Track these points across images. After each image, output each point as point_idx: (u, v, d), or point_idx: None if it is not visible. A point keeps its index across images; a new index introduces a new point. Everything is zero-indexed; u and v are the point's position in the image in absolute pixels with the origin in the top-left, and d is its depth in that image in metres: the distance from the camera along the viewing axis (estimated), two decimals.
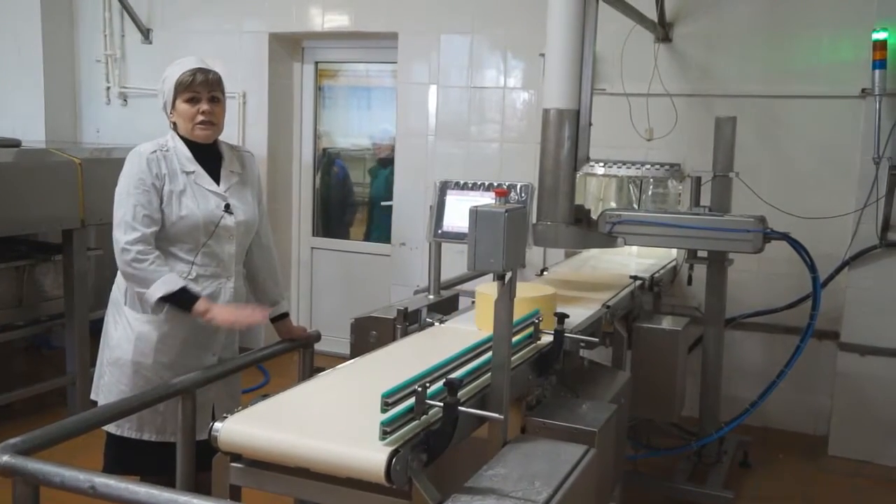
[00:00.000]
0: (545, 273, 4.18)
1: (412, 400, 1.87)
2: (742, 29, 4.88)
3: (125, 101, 6.47)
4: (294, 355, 3.25)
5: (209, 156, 2.92)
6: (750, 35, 4.87)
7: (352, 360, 2.60)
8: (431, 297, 3.51)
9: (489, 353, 2.18)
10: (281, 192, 6.25)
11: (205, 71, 2.85)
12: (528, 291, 2.83)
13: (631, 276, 3.87)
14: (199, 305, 2.75)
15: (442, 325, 3.06)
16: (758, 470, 4.48)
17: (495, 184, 3.27)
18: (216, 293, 2.90)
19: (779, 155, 4.83)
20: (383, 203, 6.01)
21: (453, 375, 2.03)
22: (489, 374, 2.15)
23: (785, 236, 3.60)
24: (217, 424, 1.94)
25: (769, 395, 3.94)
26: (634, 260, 4.67)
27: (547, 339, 2.62)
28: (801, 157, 4.80)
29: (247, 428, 1.94)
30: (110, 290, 2.99)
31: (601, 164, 5.07)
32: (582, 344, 2.80)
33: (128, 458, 2.90)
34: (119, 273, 2.92)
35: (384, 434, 1.78)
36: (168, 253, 2.82)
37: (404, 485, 1.78)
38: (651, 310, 4.05)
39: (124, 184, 2.80)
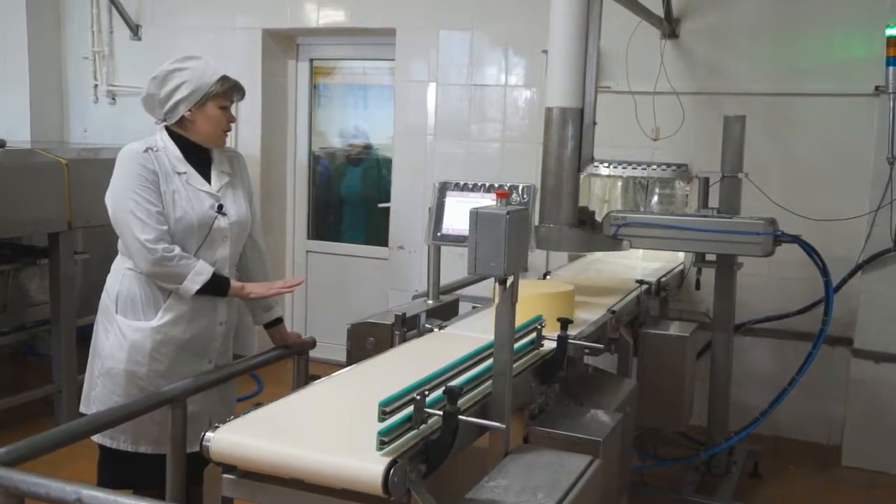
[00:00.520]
0: (548, 277, 4.18)
1: (410, 408, 1.87)
2: (751, 24, 4.89)
3: (113, 99, 6.47)
4: (288, 363, 3.25)
5: (199, 156, 2.93)
6: (759, 31, 4.88)
7: (348, 368, 2.61)
8: (430, 302, 3.51)
9: (490, 360, 2.18)
10: (275, 194, 6.25)
11: (232, 80, 2.92)
12: (546, 288, 2.84)
13: (637, 281, 3.87)
14: (234, 287, 2.90)
15: (441, 330, 3.06)
16: (768, 481, 4.47)
17: (496, 185, 3.27)
18: (209, 301, 2.91)
19: (789, 155, 4.83)
20: (380, 205, 6.01)
21: (453, 383, 2.03)
22: (490, 381, 2.15)
23: (796, 239, 3.60)
24: (208, 434, 1.94)
25: (780, 403, 3.94)
26: (640, 263, 4.67)
27: (550, 345, 2.62)
28: (812, 156, 4.80)
29: (239, 438, 1.94)
30: (98, 295, 2.99)
31: (606, 164, 5.07)
32: (586, 350, 2.80)
33: (124, 473, 2.90)
34: (110, 279, 2.93)
35: (382, 444, 1.78)
36: None
37: (402, 497, 1.78)
38: (658, 315, 4.05)
39: (124, 183, 2.79)
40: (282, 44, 6.22)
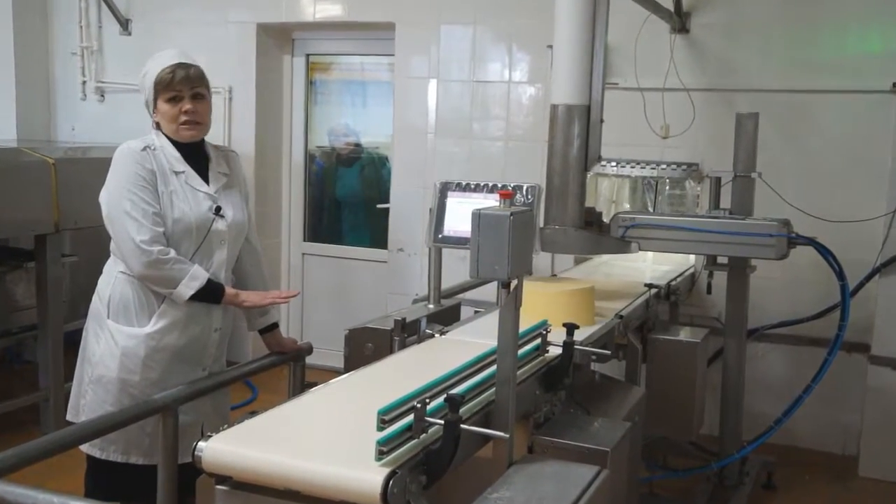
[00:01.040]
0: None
1: (411, 417, 1.87)
2: (764, 19, 4.89)
3: (102, 96, 6.48)
4: (284, 369, 3.25)
5: (196, 156, 2.94)
6: (773, 25, 4.88)
7: (346, 375, 2.60)
8: (431, 306, 3.52)
9: (493, 367, 2.18)
10: (270, 194, 6.25)
11: (185, 66, 2.85)
12: (564, 284, 2.84)
13: (646, 284, 3.87)
14: (229, 294, 2.89)
15: (443, 336, 3.06)
16: (782, 492, 4.47)
17: (499, 185, 3.28)
18: (203, 306, 2.91)
19: (804, 154, 4.83)
20: (379, 206, 6.01)
21: (455, 391, 2.04)
22: (493, 389, 2.15)
23: (811, 241, 3.60)
24: (201, 444, 1.94)
25: (795, 411, 3.94)
26: (649, 266, 4.67)
27: (555, 351, 2.62)
28: (828, 156, 4.80)
29: (233, 447, 1.94)
30: (88, 299, 2.99)
31: (613, 163, 5.07)
32: (593, 357, 2.80)
33: (113, 485, 2.90)
34: (101, 283, 2.93)
35: (380, 454, 1.78)
36: None
37: None
38: (667, 320, 4.05)
39: (120, 182, 2.80)
40: (277, 38, 6.23)
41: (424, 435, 1.90)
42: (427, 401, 1.92)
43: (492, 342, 2.19)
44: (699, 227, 3.60)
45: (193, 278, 2.80)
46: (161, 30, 6.15)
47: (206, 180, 2.93)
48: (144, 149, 2.84)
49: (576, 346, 2.65)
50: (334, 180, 6.50)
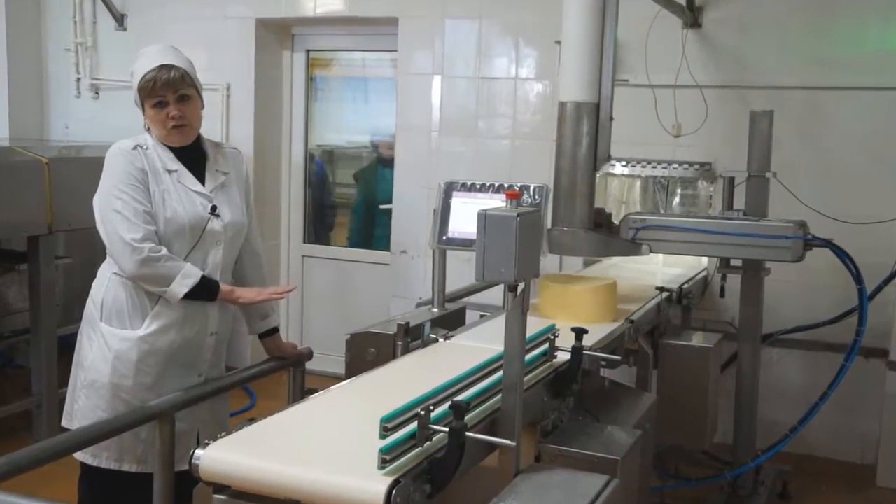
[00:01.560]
0: None
1: (414, 425, 1.87)
2: (780, 13, 4.89)
3: (97, 93, 6.50)
4: (283, 375, 3.26)
5: (192, 154, 2.95)
6: (789, 19, 4.88)
7: (347, 381, 2.61)
8: (435, 310, 3.52)
9: (500, 373, 2.18)
10: (269, 195, 6.26)
11: (167, 68, 2.82)
12: (586, 281, 2.84)
13: (657, 288, 3.87)
14: (224, 290, 2.88)
15: (447, 341, 3.06)
16: (798, 503, 4.46)
17: (506, 185, 3.28)
18: (200, 308, 2.91)
19: (821, 153, 4.83)
20: (382, 206, 6.02)
21: (460, 397, 2.04)
22: (499, 395, 2.15)
23: (828, 243, 3.60)
24: (198, 452, 1.94)
25: (811, 419, 3.93)
26: (661, 269, 4.67)
27: (564, 356, 2.62)
28: (845, 155, 4.79)
29: (231, 456, 1.94)
30: (82, 302, 3.00)
31: (623, 162, 5.07)
32: (603, 362, 2.80)
33: (106, 492, 2.91)
34: (95, 285, 2.94)
35: (383, 463, 1.78)
36: None
37: None
38: (679, 325, 4.04)
39: (111, 182, 2.81)
40: (276, 34, 6.24)
41: (428, 443, 1.90)
42: (431, 408, 1.92)
43: (498, 347, 2.19)
44: (712, 228, 3.60)
45: (187, 276, 2.80)
46: (157, 25, 6.16)
47: (203, 179, 2.93)
48: (135, 147, 2.85)
49: (585, 352, 2.65)
50: (375, 182, 6.42)
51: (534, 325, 2.44)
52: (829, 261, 3.74)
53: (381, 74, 6.29)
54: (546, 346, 2.58)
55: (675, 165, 5.04)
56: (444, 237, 3.47)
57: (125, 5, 6.36)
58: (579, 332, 2.64)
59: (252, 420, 2.14)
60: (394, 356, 3.03)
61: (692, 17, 4.95)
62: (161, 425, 2.59)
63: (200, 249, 2.89)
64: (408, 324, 3.14)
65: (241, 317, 3.14)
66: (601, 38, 3.35)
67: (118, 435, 2.69)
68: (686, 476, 4.23)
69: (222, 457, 1.94)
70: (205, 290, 2.85)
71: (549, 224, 3.43)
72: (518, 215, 1.98)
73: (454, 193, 3.50)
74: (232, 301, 2.96)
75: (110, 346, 2.86)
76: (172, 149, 2.90)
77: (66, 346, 3.25)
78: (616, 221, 3.68)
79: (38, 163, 4.73)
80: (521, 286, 2.04)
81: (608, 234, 3.60)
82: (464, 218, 3.42)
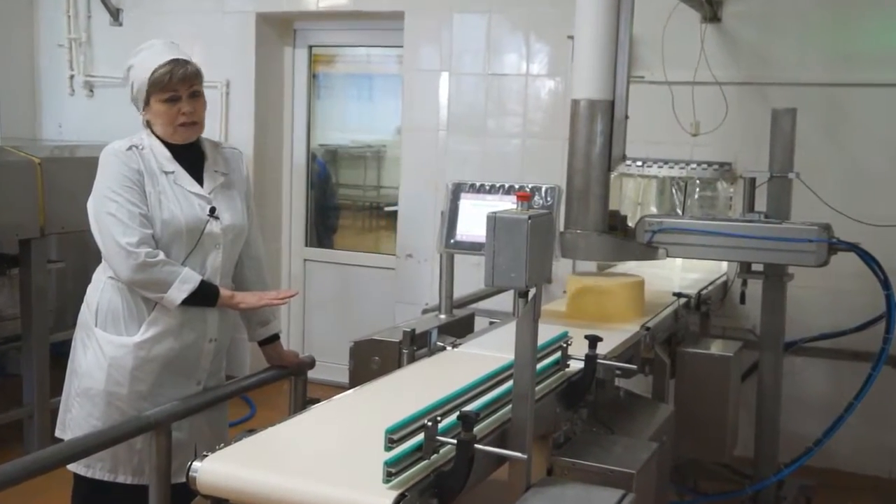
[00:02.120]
0: None
1: (421, 436, 1.87)
2: (803, 7, 4.88)
3: (91, 91, 6.52)
4: (284, 384, 3.26)
5: (190, 154, 2.95)
6: (812, 13, 4.87)
7: (351, 390, 2.61)
8: (443, 316, 3.52)
9: (510, 382, 2.18)
10: (270, 196, 6.27)
11: (182, 63, 2.86)
12: (613, 279, 2.85)
13: (674, 294, 3.87)
14: (224, 295, 2.89)
15: (455, 349, 3.06)
16: None
17: (516, 186, 3.28)
18: (198, 314, 2.92)
19: (846, 153, 4.81)
20: (387, 208, 6.03)
21: (468, 408, 2.03)
22: (510, 406, 2.15)
23: (853, 247, 3.59)
24: (196, 464, 1.95)
25: (836, 431, 3.91)
26: (678, 274, 4.66)
27: (577, 365, 2.62)
28: (871, 154, 4.79)
29: (230, 468, 1.94)
30: (75, 308, 3.01)
31: (639, 163, 5.07)
32: (617, 372, 2.79)
33: None
34: (90, 290, 2.95)
35: (389, 476, 1.78)
36: None
37: None
38: (698, 332, 4.03)
39: (105, 184, 2.82)
40: (277, 29, 6.25)
41: (436, 455, 1.90)
42: (438, 419, 1.92)
43: (508, 355, 2.19)
44: (732, 231, 3.59)
45: (185, 281, 2.81)
46: (154, 20, 6.19)
47: (201, 180, 2.94)
48: (130, 148, 2.86)
49: (599, 360, 2.64)
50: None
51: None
52: (855, 265, 3.73)
53: (387, 71, 6.31)
54: (558, 354, 2.58)
55: (694, 165, 5.03)
56: (452, 240, 3.47)
57: None
58: (593, 340, 2.64)
59: (252, 431, 2.14)
60: (399, 365, 3.03)
61: (711, 11, 4.94)
62: (157, 436, 2.59)
63: (199, 253, 2.90)
64: (414, 331, 3.14)
65: (240, 324, 3.14)
66: (616, 32, 3.35)
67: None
68: (705, 491, 4.22)
69: (221, 469, 1.94)
70: (204, 296, 2.86)
71: (561, 227, 3.43)
72: (529, 218, 1.97)
73: (462, 195, 3.50)
74: (232, 306, 2.96)
75: (105, 353, 2.86)
76: (170, 149, 2.91)
77: (59, 354, 3.26)
78: (631, 224, 3.67)
79: (30, 163, 4.75)
80: (532, 292, 2.04)
81: (623, 238, 3.59)
82: (473, 220, 3.42)
